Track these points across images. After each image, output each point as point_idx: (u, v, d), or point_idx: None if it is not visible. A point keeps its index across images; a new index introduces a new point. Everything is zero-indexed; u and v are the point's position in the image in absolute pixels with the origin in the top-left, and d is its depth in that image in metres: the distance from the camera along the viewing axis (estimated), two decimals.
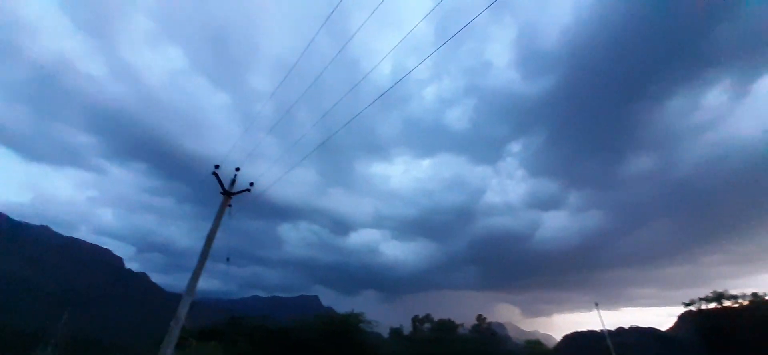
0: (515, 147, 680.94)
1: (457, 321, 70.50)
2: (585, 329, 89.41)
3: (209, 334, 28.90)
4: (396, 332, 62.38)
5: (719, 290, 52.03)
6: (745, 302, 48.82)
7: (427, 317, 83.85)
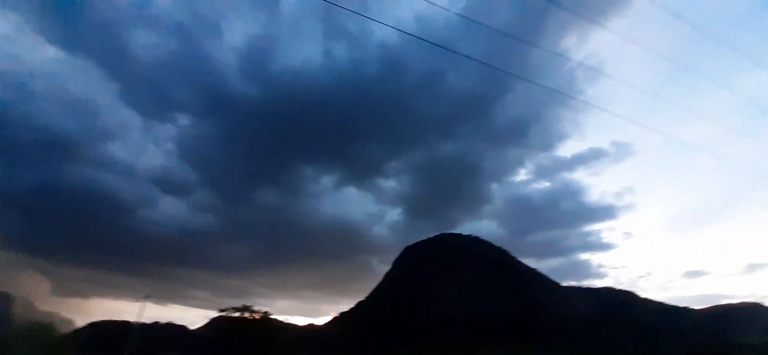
0: (184, 120, 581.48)
1: None
2: (119, 319, 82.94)
3: None
4: None
5: (248, 304, 65.63)
6: (257, 316, 64.63)
7: None
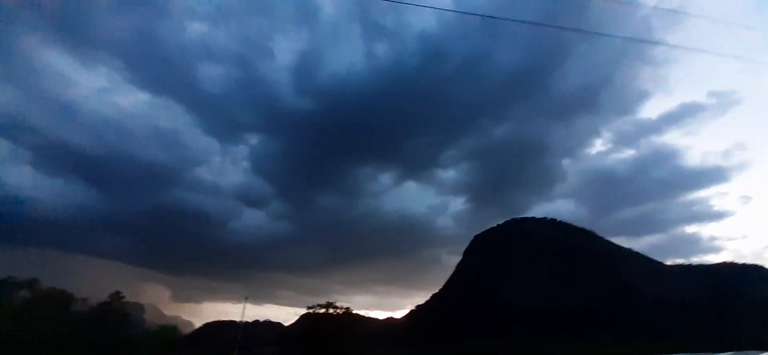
0: (254, 140, 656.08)
1: (79, 295, 55.99)
2: (227, 319, 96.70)
3: None
4: None
5: (331, 301, 71.34)
6: (340, 312, 69.92)
7: (31, 282, 60.10)
